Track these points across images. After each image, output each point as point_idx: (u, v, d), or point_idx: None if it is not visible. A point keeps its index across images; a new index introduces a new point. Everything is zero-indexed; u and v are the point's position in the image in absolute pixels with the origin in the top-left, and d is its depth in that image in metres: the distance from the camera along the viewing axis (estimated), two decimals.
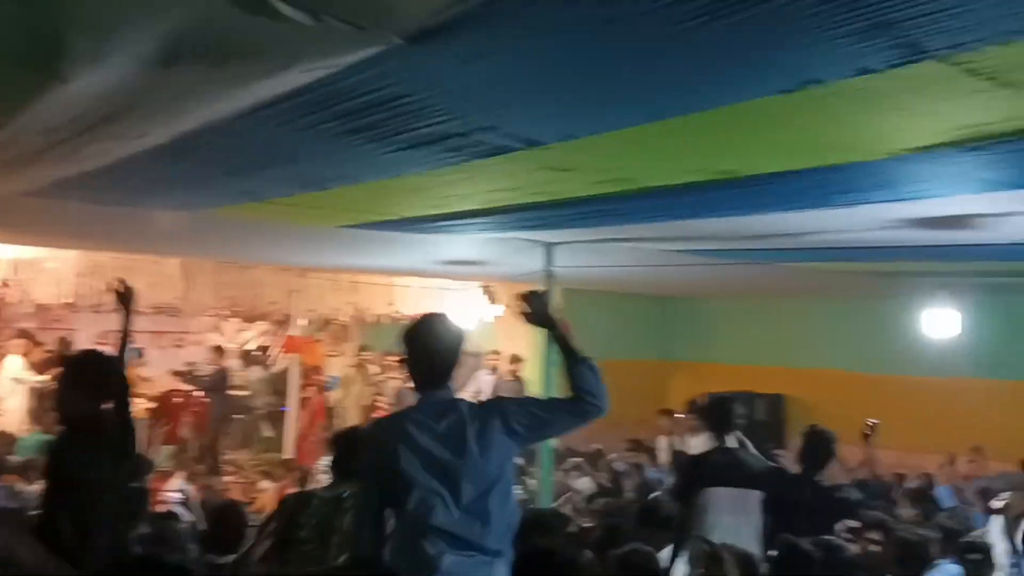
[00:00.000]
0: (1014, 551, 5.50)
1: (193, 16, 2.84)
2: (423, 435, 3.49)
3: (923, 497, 8.78)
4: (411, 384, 3.78)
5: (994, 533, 6.59)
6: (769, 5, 2.63)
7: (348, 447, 4.65)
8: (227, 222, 7.31)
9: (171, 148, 4.54)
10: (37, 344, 11.19)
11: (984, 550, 5.20)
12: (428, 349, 3.70)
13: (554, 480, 9.11)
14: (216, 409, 12.33)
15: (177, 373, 12.94)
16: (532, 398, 4.38)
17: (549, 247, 8.54)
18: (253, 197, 6.10)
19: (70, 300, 10.65)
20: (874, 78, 3.28)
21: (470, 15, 2.77)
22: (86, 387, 4.35)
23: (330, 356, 14.13)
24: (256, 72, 3.36)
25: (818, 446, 6.16)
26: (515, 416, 3.68)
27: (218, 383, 12.46)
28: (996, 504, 7.51)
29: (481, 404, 3.87)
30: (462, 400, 3.80)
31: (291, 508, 4.56)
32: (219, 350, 12.91)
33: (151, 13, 2.85)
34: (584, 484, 9.86)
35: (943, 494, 8.79)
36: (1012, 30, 2.84)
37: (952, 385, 11.62)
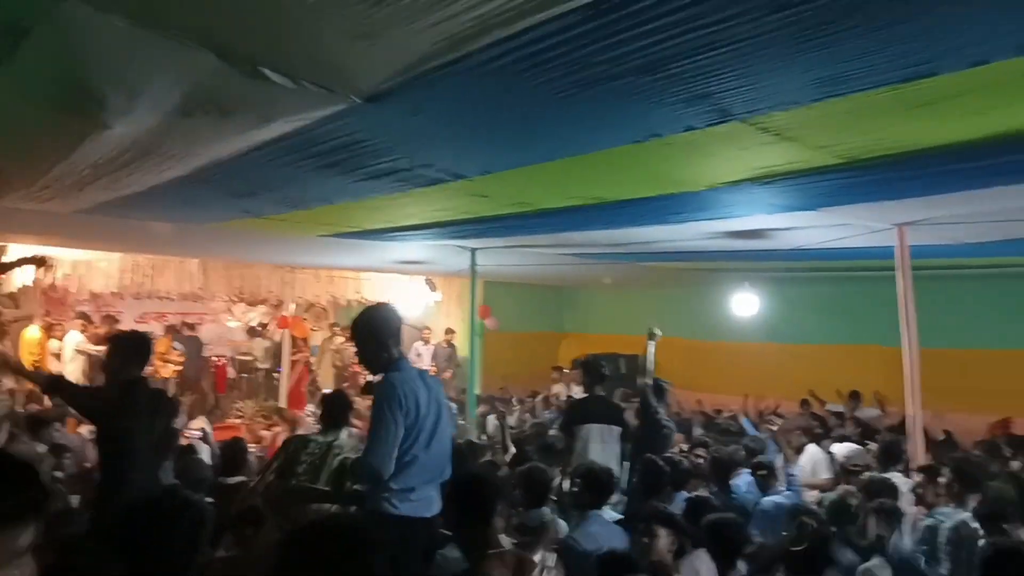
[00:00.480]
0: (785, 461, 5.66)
1: (204, 80, 2.76)
2: (421, 391, 3.40)
3: (731, 426, 9.02)
4: (378, 359, 3.47)
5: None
6: (621, 81, 2.66)
7: (332, 404, 4.57)
8: (235, 232, 7.12)
9: (189, 178, 4.40)
10: (92, 323, 10.74)
11: (769, 467, 5.33)
12: (383, 331, 3.51)
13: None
14: (190, 366, 11.88)
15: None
16: None
17: (474, 251, 8.50)
18: (252, 214, 5.95)
19: (116, 290, 10.32)
20: (697, 133, 3.34)
21: (410, 83, 2.75)
22: (130, 358, 4.18)
23: (313, 331, 13.85)
24: (251, 122, 3.28)
25: (658, 392, 6.18)
26: None
27: (192, 347, 12.02)
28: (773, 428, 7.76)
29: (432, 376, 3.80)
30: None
31: (295, 447, 4.43)
32: (190, 326, 12.50)
33: (172, 77, 2.77)
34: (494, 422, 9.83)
35: (746, 424, 9.03)
36: (790, 101, 2.92)
37: (753, 347, 11.96)
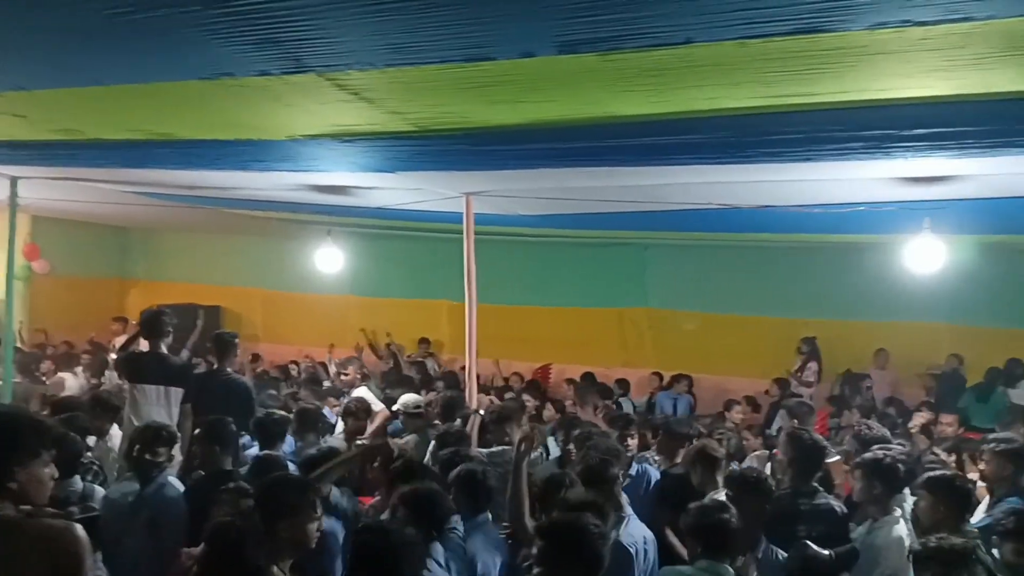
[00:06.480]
0: None
1: None
2: None
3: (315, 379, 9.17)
4: None
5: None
6: (181, 9, 2.39)
7: None
8: None
9: None
10: None
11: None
12: None
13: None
14: None
15: None
16: None
17: (14, 180, 7.09)
18: None
19: None
20: (273, 80, 3.18)
21: None
22: None
23: None
24: None
25: (224, 344, 5.83)
26: None
27: None
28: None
29: None
30: None
31: None
32: None
33: None
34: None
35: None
36: (365, 62, 2.94)
37: (336, 299, 12.11)
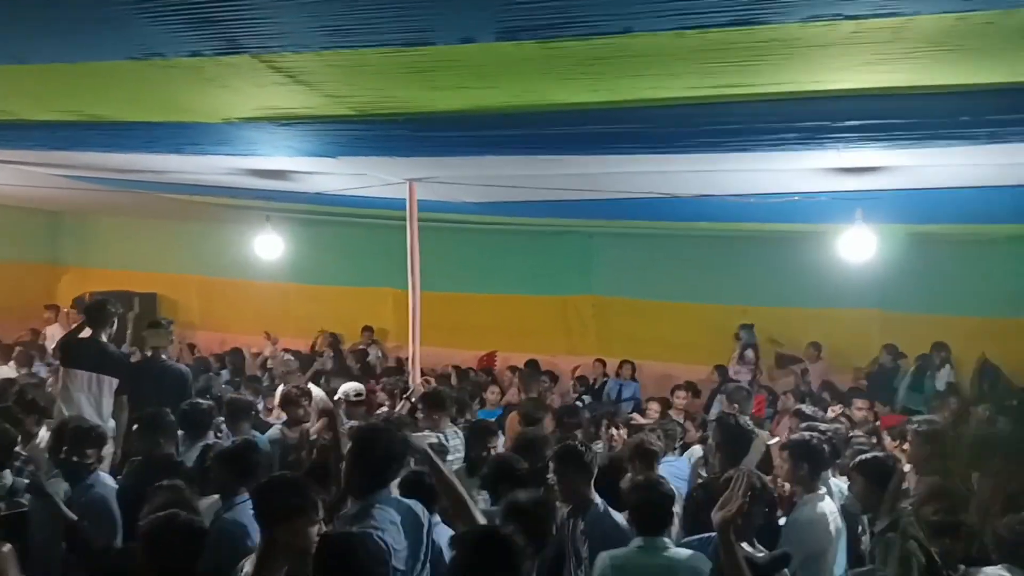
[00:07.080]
0: None
1: None
2: None
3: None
4: None
5: None
6: None
7: None
8: None
9: None
10: None
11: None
12: None
13: None
14: None
15: None
16: None
17: None
18: None
19: None
20: (206, 61, 3.08)
21: None
22: None
23: None
24: None
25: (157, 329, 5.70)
26: None
27: None
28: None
29: None
30: None
31: None
32: None
33: None
34: None
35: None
36: (300, 44, 2.87)
37: (276, 287, 11.85)
